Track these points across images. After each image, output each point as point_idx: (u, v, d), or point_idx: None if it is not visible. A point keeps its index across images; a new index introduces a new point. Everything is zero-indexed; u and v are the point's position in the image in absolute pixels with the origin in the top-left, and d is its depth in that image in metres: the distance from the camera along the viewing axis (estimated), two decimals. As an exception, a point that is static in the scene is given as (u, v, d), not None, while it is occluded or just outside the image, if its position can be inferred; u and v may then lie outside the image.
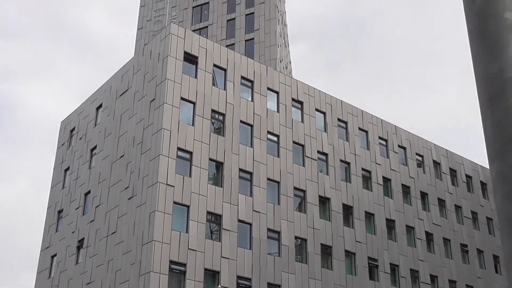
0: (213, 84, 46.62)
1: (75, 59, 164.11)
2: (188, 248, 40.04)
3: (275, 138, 48.71)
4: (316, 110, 52.82)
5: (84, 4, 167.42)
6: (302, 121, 51.26)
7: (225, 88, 47.12)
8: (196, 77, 45.68)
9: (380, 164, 55.57)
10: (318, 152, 51.14)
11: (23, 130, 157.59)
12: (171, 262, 39.15)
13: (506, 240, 2.47)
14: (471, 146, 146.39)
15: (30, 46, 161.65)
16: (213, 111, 45.71)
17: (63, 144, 56.72)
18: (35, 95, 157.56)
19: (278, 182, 47.15)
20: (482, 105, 2.70)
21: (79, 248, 47.99)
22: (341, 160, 52.52)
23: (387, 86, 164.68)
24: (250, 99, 48.45)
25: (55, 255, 50.99)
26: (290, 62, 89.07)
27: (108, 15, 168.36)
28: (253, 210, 44.52)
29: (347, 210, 51.08)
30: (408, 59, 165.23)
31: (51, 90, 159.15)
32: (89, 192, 49.24)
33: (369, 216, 52.49)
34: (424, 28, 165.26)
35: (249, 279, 42.45)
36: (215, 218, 42.57)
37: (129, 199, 43.17)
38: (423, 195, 58.58)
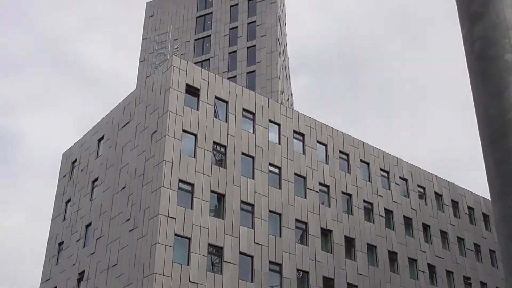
0: (215, 116, 46.78)
1: (77, 92, 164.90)
2: (190, 281, 39.80)
3: (276, 170, 48.72)
4: (318, 142, 52.90)
5: (86, 37, 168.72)
6: (304, 153, 51.31)
7: (226, 120, 47.26)
8: (197, 109, 45.86)
9: (382, 196, 55.48)
10: (320, 184, 51.10)
11: (24, 163, 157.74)
12: (172, 295, 38.90)
13: (510, 280, 2.50)
14: (473, 177, 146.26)
15: (32, 80, 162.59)
16: (214, 143, 45.80)
17: (65, 176, 56.73)
18: (36, 128, 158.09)
19: (280, 214, 47.04)
20: (483, 145, 2.75)
21: (79, 280, 47.71)
22: (342, 192, 52.45)
23: (388, 118, 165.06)
24: (251, 131, 48.57)
25: (55, 287, 50.68)
26: (291, 94, 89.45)
27: (110, 48, 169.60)
28: (255, 242, 44.34)
29: (349, 242, 50.87)
30: (408, 92, 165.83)
31: (53, 123, 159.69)
32: (90, 224, 49.11)
33: (371, 248, 52.25)
34: (423, 60, 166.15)
35: (250, 312, 42.14)
36: (216, 251, 42.39)
37: (130, 231, 43.04)
38: (425, 227, 58.36)
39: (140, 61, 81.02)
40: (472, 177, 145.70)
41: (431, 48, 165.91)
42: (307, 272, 46.65)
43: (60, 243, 52.58)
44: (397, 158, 59.20)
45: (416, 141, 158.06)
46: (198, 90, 46.49)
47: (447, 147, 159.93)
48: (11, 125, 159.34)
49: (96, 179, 50.88)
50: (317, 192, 50.42)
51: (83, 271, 47.38)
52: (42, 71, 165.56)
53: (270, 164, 48.42)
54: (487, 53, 2.88)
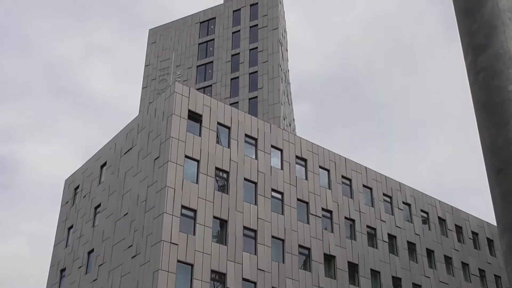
0: (217, 142, 46.83)
1: (79, 119, 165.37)
2: (192, 308, 39.56)
3: (279, 196, 48.64)
4: (320, 167, 52.88)
5: (87, 64, 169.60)
6: (306, 178, 51.27)
7: (229, 146, 47.30)
8: (200, 135, 45.93)
9: (385, 221, 55.30)
10: (323, 209, 50.99)
11: (25, 190, 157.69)
12: (175, 322, 38.63)
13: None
14: (476, 202, 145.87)
15: (33, 107, 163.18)
16: (217, 168, 45.78)
17: (67, 202, 56.68)
18: (37, 155, 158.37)
19: (283, 240, 46.87)
20: (489, 175, 2.75)
21: (82, 308, 47.44)
22: (345, 218, 52.30)
23: (388, 142, 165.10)
24: (254, 156, 48.58)
25: (57, 315, 50.41)
26: (293, 120, 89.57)
27: (111, 75, 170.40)
28: (258, 269, 44.13)
29: (353, 268, 50.60)
30: (409, 116, 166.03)
31: (54, 150, 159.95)
32: (92, 250, 48.95)
33: (375, 274, 51.96)
34: (422, 84, 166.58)
35: None
36: (219, 277, 42.18)
37: (132, 257, 42.88)
38: (429, 252, 58.08)
39: (142, 88, 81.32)
40: (475, 201, 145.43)
41: (427, 71, 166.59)
42: (311, 299, 46.36)
43: (62, 270, 52.37)
44: (399, 183, 59.10)
45: (416, 165, 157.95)
46: (201, 116, 46.60)
47: (448, 170, 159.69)
48: (13, 152, 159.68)
49: (99, 206, 50.81)
50: (320, 217, 50.29)
51: (85, 298, 47.13)
52: (44, 98, 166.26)
53: (273, 190, 48.36)
54: (491, 84, 2.90)
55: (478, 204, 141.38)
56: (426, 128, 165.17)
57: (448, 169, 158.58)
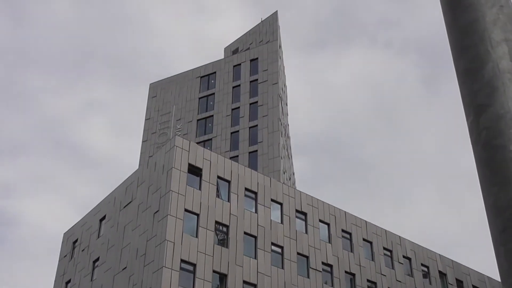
0: (217, 196, 46.76)
1: (77, 174, 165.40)
2: None
3: (279, 250, 48.34)
4: (320, 221, 52.69)
5: (87, 120, 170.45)
6: (306, 232, 51.03)
7: (229, 200, 47.22)
8: (200, 189, 45.89)
9: (385, 275, 54.82)
10: (323, 263, 50.61)
11: (24, 245, 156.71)
12: None
13: None
14: (478, 256, 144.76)
15: (32, 162, 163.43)
16: (217, 222, 45.61)
17: (65, 256, 56.25)
18: (35, 210, 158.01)
19: (283, 295, 46.38)
20: (493, 235, 2.78)
21: None
22: (346, 272, 51.87)
23: (379, 200, 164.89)
24: (254, 210, 48.45)
25: None
26: (293, 174, 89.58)
27: (111, 130, 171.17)
28: (258, 324, 43.56)
29: (354, 324, 49.96)
30: (398, 171, 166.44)
31: (52, 205, 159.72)
32: (90, 305, 48.39)
33: (376, 329, 51.28)
34: (403, 144, 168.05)
35: None
36: (218, 333, 41.60)
37: (131, 313, 42.37)
38: (431, 308, 57.42)
39: (143, 141, 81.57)
40: (475, 255, 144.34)
41: (409, 131, 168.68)
42: None
43: (60, 326, 51.66)
44: (399, 236, 58.80)
45: (406, 220, 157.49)
46: (201, 170, 46.64)
47: (451, 225, 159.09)
48: (11, 206, 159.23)
49: (97, 259, 50.42)
50: (320, 271, 49.87)
51: None
52: (43, 153, 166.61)
53: (273, 244, 48.09)
54: (493, 143, 2.94)
55: (479, 258, 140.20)
56: (411, 185, 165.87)
57: (438, 222, 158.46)
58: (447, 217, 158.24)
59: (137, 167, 54.29)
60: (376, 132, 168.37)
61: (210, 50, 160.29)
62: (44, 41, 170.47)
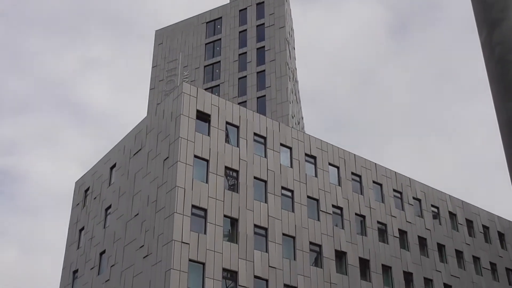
0: (226, 142, 46.87)
1: (81, 129, 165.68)
2: (205, 307, 39.61)
3: (289, 194, 48.65)
4: (330, 164, 52.86)
5: (87, 77, 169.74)
6: (316, 175, 51.26)
7: (238, 145, 47.33)
8: (209, 135, 45.97)
9: (395, 217, 55.24)
10: (333, 206, 50.98)
11: (33, 199, 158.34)
12: (188, 321, 38.69)
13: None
14: (487, 196, 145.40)
15: (35, 120, 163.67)
16: (226, 168, 45.82)
17: (78, 204, 56.85)
18: (41, 166, 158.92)
19: (294, 237, 46.89)
20: (506, 150, 2.78)
21: (95, 309, 47.59)
22: (356, 214, 52.28)
23: (398, 137, 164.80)
24: (263, 155, 48.59)
25: (71, 316, 50.59)
26: (302, 118, 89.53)
27: (113, 86, 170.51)
28: (269, 266, 44.17)
29: (364, 264, 50.58)
30: (418, 108, 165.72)
31: (58, 161, 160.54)
32: (104, 251, 49.10)
33: (386, 269, 51.92)
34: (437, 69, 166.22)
35: (267, 337, 41.82)
36: (231, 275, 42.23)
37: (144, 258, 42.99)
38: (440, 247, 57.98)
39: (150, 89, 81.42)
40: (487, 194, 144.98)
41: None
42: (323, 295, 46.36)
43: (75, 271, 52.56)
44: (409, 178, 59.02)
45: (428, 160, 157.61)
46: (209, 116, 46.64)
47: (461, 164, 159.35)
48: (16, 163, 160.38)
49: (109, 207, 50.96)
50: (331, 214, 50.28)
51: (98, 299, 47.28)
52: (46, 112, 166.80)
53: (283, 188, 48.37)
54: (507, 58, 2.93)
55: (488, 198, 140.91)
56: (439, 119, 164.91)
57: (465, 163, 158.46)
58: (454, 159, 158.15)
59: (146, 115, 54.26)
60: (399, 60, 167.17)
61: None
62: (42, 1, 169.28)
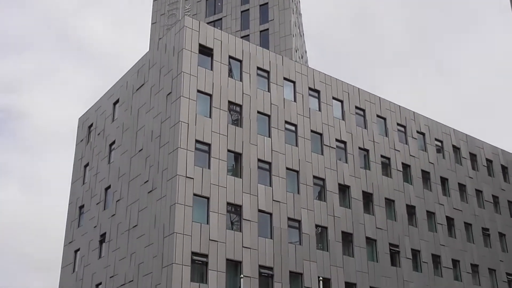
0: (229, 76, 46.60)
1: (82, 67, 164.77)
2: (209, 239, 40.14)
3: (292, 128, 48.64)
4: (333, 98, 52.68)
5: (87, 14, 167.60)
6: (320, 109, 51.15)
7: (241, 80, 47.08)
8: (212, 69, 45.67)
9: (399, 151, 55.36)
10: (337, 140, 51.03)
11: (36, 136, 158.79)
12: (193, 253, 39.26)
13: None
14: (491, 129, 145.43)
15: (36, 57, 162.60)
16: (230, 102, 45.69)
17: (82, 140, 57.02)
18: (43, 102, 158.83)
19: (297, 171, 47.11)
20: None
21: (101, 242, 48.30)
22: (359, 148, 52.38)
23: (402, 70, 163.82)
24: (266, 89, 48.38)
25: (78, 249, 51.40)
26: (305, 52, 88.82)
27: (113, 23, 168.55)
28: (273, 200, 44.52)
29: (367, 197, 50.97)
30: (421, 42, 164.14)
31: (60, 97, 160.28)
32: (109, 187, 49.51)
33: (389, 202, 52.35)
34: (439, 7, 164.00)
35: (271, 268, 42.52)
36: (235, 209, 42.63)
37: (149, 192, 43.34)
38: (443, 181, 58.30)
39: (152, 23, 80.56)
40: (491, 128, 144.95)
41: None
42: (326, 228, 46.89)
43: (81, 207, 53.14)
44: (413, 112, 58.88)
45: (431, 94, 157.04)
46: (212, 50, 46.24)
47: (464, 98, 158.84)
48: (18, 101, 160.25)
49: (113, 143, 51.12)
50: (334, 148, 50.38)
51: (105, 233, 47.94)
52: (47, 49, 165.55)
53: (286, 122, 48.33)
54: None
55: (493, 131, 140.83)
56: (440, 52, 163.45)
57: (468, 97, 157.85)
58: (460, 92, 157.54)
59: (148, 50, 53.77)
60: None
61: None
62: None
